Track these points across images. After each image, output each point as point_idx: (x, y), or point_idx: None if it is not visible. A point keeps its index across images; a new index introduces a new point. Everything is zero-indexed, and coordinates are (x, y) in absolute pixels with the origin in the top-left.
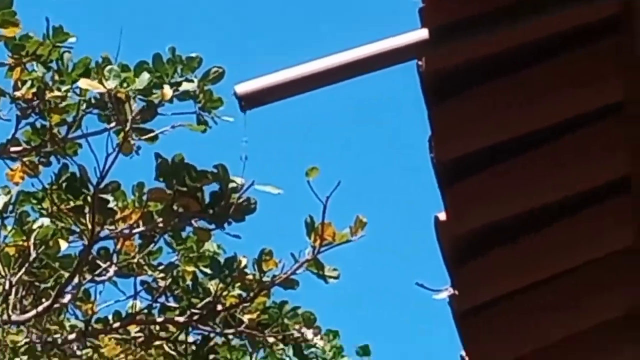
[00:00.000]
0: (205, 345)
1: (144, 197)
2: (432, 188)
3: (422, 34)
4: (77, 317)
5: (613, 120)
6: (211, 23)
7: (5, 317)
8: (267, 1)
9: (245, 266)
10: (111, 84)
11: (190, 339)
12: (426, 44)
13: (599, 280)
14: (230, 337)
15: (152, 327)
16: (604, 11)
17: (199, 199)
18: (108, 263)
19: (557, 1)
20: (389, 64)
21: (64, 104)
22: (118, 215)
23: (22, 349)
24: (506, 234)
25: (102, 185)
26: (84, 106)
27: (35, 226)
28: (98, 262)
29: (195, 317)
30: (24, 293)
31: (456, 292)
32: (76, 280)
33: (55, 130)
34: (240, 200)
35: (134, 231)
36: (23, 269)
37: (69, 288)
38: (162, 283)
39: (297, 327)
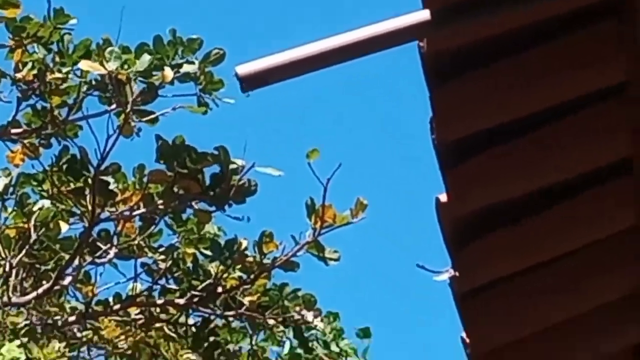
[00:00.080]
0: (205, 328)
1: (145, 179)
2: (433, 170)
3: (424, 15)
4: (77, 299)
5: (614, 102)
6: (212, 4)
7: (5, 299)
8: None
9: (246, 248)
10: (112, 65)
11: (191, 321)
12: (428, 25)
13: (600, 262)
14: (231, 319)
15: (152, 309)
16: None
17: (199, 180)
18: (108, 245)
19: None
20: (390, 45)
21: (64, 85)
22: (118, 197)
23: (22, 331)
24: (507, 216)
25: (102, 167)
26: (85, 88)
27: (35, 208)
28: (98, 244)
29: (196, 299)
30: (24, 275)
31: (457, 274)
32: (76, 262)
33: (55, 112)
34: (241, 182)
35: (135, 213)
36: (23, 251)
37: (69, 270)
38: (162, 265)
39: (297, 309)
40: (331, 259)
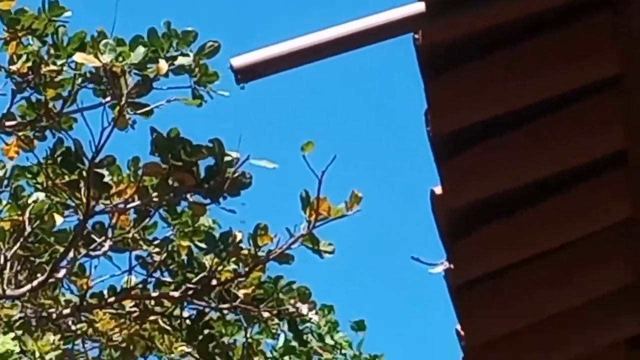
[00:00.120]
0: (200, 320)
1: (139, 172)
2: (428, 162)
3: (419, 7)
4: (72, 292)
5: (609, 94)
6: None
7: (0, 291)
8: None
9: (241, 241)
10: (106, 58)
11: (185, 313)
12: (423, 17)
13: (594, 255)
14: (225, 312)
15: (147, 301)
16: None
17: (194, 173)
18: (103, 238)
19: None
20: (385, 37)
21: (59, 78)
22: (113, 190)
23: (17, 324)
24: (502, 208)
25: (97, 160)
26: (80, 80)
27: (30, 201)
28: (93, 236)
29: (190, 292)
30: (18, 268)
31: (452, 266)
32: (71, 254)
33: (50, 105)
34: (236, 174)
35: (129, 206)
36: (18, 244)
37: (64, 263)
38: (157, 258)
39: (292, 302)
40: (326, 252)
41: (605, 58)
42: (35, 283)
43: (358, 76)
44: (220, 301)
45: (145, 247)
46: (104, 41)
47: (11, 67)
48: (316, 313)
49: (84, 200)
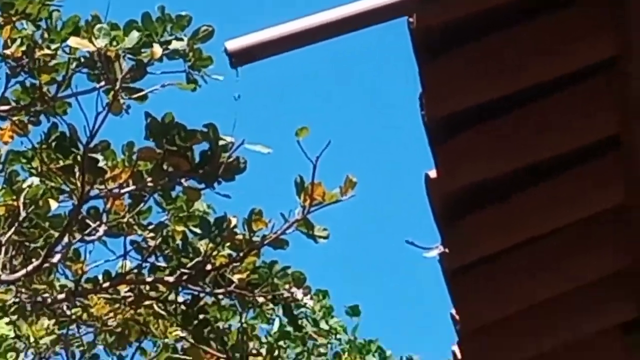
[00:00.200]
0: (194, 305)
1: (134, 157)
2: (423, 146)
3: None
4: (66, 277)
5: (603, 78)
6: None
7: None
8: None
9: (235, 226)
10: (101, 42)
11: (180, 298)
12: (417, 1)
13: (586, 240)
14: (220, 296)
15: (141, 286)
16: None
17: (188, 158)
18: (98, 222)
19: None
20: (380, 21)
21: (53, 62)
22: (108, 175)
23: (12, 309)
24: (495, 193)
25: (91, 145)
26: (74, 65)
27: (24, 185)
28: (88, 221)
29: (185, 277)
30: (13, 253)
31: (446, 250)
32: (66, 239)
33: (44, 89)
34: (230, 159)
35: (124, 190)
36: (12, 229)
37: (59, 248)
38: (151, 243)
39: (286, 287)
40: (320, 237)
41: (601, 40)
42: (30, 268)
43: (352, 60)
44: (215, 286)
45: (139, 232)
46: (98, 26)
47: (5, 51)
48: (311, 298)
49: (79, 185)
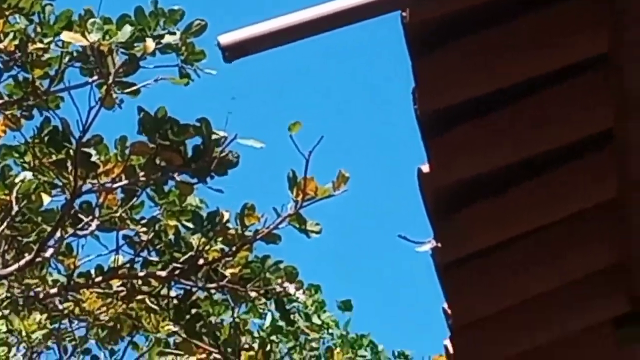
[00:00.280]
0: (187, 300)
1: (127, 151)
2: (415, 140)
3: None
4: (59, 272)
5: (599, 73)
6: None
7: None
8: None
9: (228, 220)
10: (93, 36)
11: (173, 293)
12: None
13: (580, 235)
14: (213, 291)
15: (134, 281)
16: None
17: (181, 152)
18: (90, 217)
19: None
20: (374, 15)
21: (46, 56)
22: (100, 169)
23: (4, 303)
24: (489, 187)
25: (84, 139)
26: (66, 59)
27: (17, 180)
28: (80, 216)
29: (177, 272)
30: (6, 247)
31: (439, 245)
32: (58, 234)
33: (37, 84)
34: (223, 154)
35: (116, 185)
36: (5, 223)
37: (51, 242)
38: (144, 237)
39: (279, 281)
40: (313, 232)
41: (599, 35)
42: (22, 262)
43: (345, 54)
44: (208, 281)
45: (132, 226)
46: (90, 20)
47: None
48: (303, 293)
49: (71, 179)
